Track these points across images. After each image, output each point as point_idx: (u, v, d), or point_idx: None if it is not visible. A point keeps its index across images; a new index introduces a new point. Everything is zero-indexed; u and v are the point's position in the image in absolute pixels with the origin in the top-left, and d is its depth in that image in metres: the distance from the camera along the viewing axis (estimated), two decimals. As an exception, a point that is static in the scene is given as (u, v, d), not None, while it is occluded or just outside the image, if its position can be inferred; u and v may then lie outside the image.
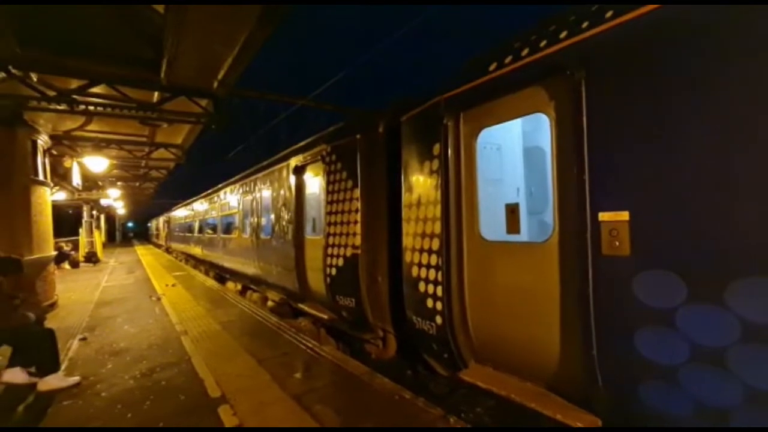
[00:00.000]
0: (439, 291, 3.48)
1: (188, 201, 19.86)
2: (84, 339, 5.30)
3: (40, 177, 7.37)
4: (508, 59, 2.98)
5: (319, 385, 3.66)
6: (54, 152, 9.44)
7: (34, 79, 5.85)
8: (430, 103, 3.67)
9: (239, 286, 10.51)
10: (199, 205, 16.34)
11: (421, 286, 3.69)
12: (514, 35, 3.13)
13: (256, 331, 5.60)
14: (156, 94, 6.75)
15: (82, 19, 5.29)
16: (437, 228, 3.52)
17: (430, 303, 3.60)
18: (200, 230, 15.96)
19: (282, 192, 7.21)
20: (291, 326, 5.78)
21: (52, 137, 8.19)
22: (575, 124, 2.49)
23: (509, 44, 3.08)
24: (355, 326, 5.12)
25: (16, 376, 3.74)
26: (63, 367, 4.06)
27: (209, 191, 14.62)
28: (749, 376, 1.80)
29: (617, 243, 2.28)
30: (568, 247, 2.65)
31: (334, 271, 5.28)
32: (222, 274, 12.40)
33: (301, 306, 6.44)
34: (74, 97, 6.17)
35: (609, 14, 2.35)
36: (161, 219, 34.16)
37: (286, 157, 7.13)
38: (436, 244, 3.53)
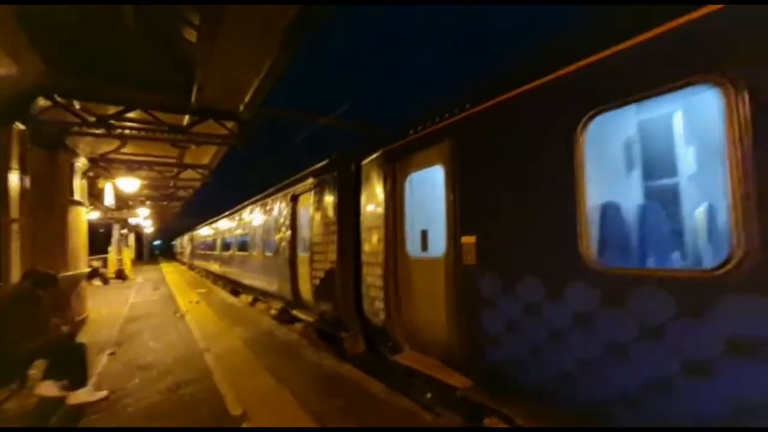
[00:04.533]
0: (382, 294, 4.55)
1: (208, 221, 21.43)
2: (113, 353, 5.46)
3: (77, 197, 7.78)
4: (419, 128, 4.12)
5: (338, 403, 3.64)
6: (90, 174, 9.97)
7: (77, 107, 6.27)
8: (377, 154, 4.86)
9: (250, 299, 11.17)
10: (217, 226, 17.86)
11: (372, 291, 4.83)
12: (425, 109, 4.27)
13: (276, 348, 5.64)
14: (186, 117, 7.09)
15: (121, 49, 5.67)
16: (381, 246, 4.63)
17: (377, 304, 4.68)
18: (218, 248, 17.16)
19: (281, 217, 8.41)
20: (290, 331, 5.80)
21: (89, 160, 8.68)
22: (451, 176, 3.63)
23: (421, 116, 4.16)
24: (334, 326, 5.94)
25: (50, 389, 3.88)
26: (93, 380, 4.19)
27: (225, 213, 16.10)
28: (530, 333, 2.81)
29: (470, 256, 3.35)
30: (449, 259, 3.61)
31: (317, 282, 6.30)
32: (236, 288, 13.30)
33: (295, 312, 7.50)
34: (111, 122, 6.56)
35: (468, 106, 3.48)
36: (185, 237, 35.36)
37: (285, 187, 8.45)
38: (380, 258, 4.62)
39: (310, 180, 6.79)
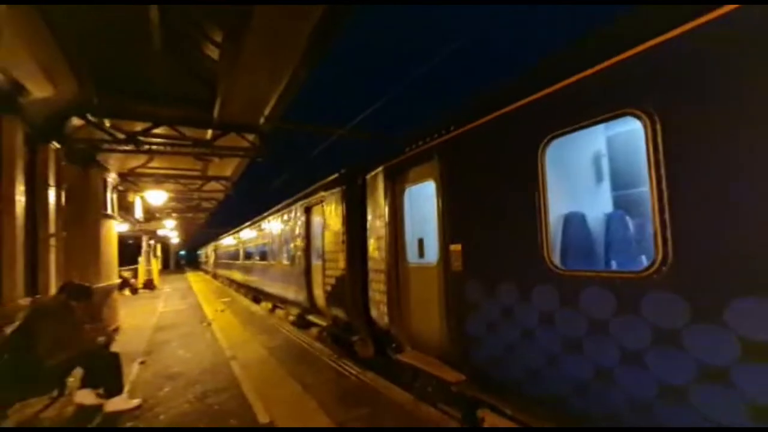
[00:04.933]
0: (386, 299, 4.93)
1: (230, 232, 22.21)
2: (143, 362, 5.62)
3: (109, 211, 8.11)
4: (413, 145, 4.45)
5: (363, 413, 3.62)
6: (120, 188, 10.38)
7: (107, 125, 6.55)
8: (379, 169, 5.22)
9: (270, 305, 11.56)
10: (237, 236, 18.58)
11: (377, 296, 5.21)
12: (418, 128, 4.61)
13: (300, 356, 5.67)
14: (209, 131, 7.31)
15: (149, 69, 5.91)
16: (384, 255, 5.01)
17: (381, 308, 5.06)
18: (239, 258, 17.86)
19: (297, 227, 8.85)
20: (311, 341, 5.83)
21: (119, 175, 9.04)
22: (440, 190, 3.99)
23: (415, 134, 4.50)
24: (345, 331, 6.27)
25: (87, 397, 4.02)
26: (126, 389, 4.31)
27: (245, 225, 16.66)
28: (504, 332, 3.15)
29: (457, 263, 3.69)
30: (441, 265, 3.94)
31: (329, 288, 6.68)
32: (257, 296, 13.82)
33: (310, 318, 8.04)
34: (140, 138, 6.83)
35: (451, 128, 3.85)
36: (209, 247, 36.33)
37: (299, 200, 8.76)
38: (383, 266, 5.03)
39: (321, 193, 7.15)
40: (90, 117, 6.09)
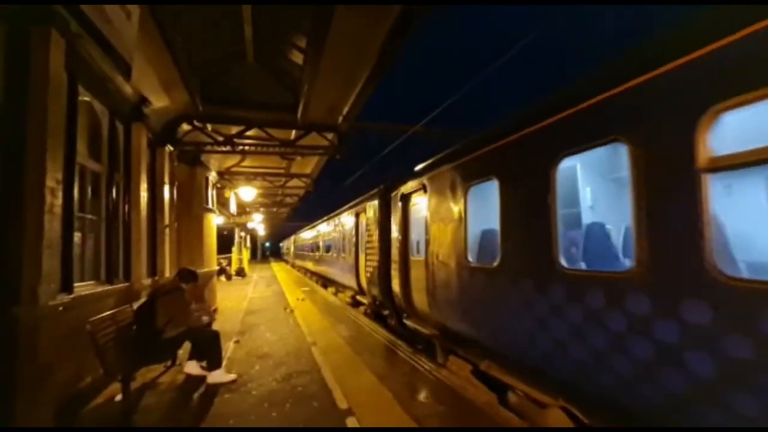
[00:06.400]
0: (398, 283, 6.81)
1: (304, 229, 26.95)
2: (237, 342, 6.27)
3: (209, 205, 9.16)
4: (414, 177, 6.23)
5: (439, 410, 3.60)
6: (218, 185, 11.66)
7: (209, 129, 7.39)
8: (396, 191, 7.07)
9: (333, 290, 13.39)
10: (310, 233, 22.95)
11: (395, 282, 7.05)
12: (416, 168, 6.30)
13: (375, 348, 5.84)
14: (293, 132, 7.85)
15: (243, 79, 6.55)
16: (398, 251, 6.91)
17: (396, 290, 6.99)
18: (311, 250, 21.78)
19: (348, 227, 11.63)
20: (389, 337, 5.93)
21: (218, 173, 10.16)
22: (426, 208, 5.73)
23: (417, 171, 6.20)
24: (379, 307, 8.47)
25: (193, 368, 4.61)
26: (223, 364, 4.85)
27: (315, 223, 20.78)
28: (450, 299, 4.97)
29: (431, 257, 5.46)
30: (425, 259, 5.64)
31: (368, 275, 8.93)
32: (324, 282, 16.85)
33: (358, 298, 10.89)
34: (235, 140, 7.59)
35: (423, 168, 5.90)
36: (290, 240, 39.71)
37: (352, 207, 11.27)
38: (398, 258, 6.86)
39: (366, 204, 9.33)
40: (196, 123, 6.93)
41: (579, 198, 4.81)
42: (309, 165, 11.49)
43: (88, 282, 4.48)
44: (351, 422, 3.35)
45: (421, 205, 6.11)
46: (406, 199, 6.65)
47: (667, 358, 2.27)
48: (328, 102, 6.46)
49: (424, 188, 5.74)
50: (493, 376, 4.09)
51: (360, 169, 15.96)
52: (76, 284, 3.94)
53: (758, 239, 3.39)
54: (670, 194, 2.33)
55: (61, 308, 3.31)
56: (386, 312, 7.71)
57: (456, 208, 4.79)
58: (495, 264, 3.91)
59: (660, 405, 2.37)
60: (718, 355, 2.01)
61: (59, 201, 3.32)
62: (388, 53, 4.99)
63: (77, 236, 4.19)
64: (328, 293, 13.51)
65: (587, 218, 4.64)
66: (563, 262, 3.12)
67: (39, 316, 3.01)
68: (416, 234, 6.47)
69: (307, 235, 24.48)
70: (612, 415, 2.80)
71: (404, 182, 6.63)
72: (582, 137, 2.99)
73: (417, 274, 6.04)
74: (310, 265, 21.91)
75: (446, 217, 5.02)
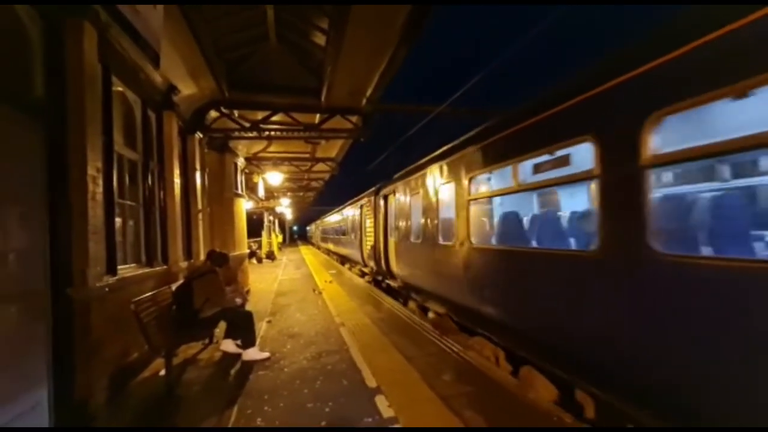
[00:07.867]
0: (383, 257, 10.19)
1: (327, 214, 30.97)
2: (269, 322, 6.51)
3: (239, 190, 9.41)
4: (391, 183, 9.50)
5: (466, 390, 3.62)
6: (246, 171, 11.94)
7: (236, 115, 7.51)
8: (385, 189, 9.93)
9: (370, 278, 13.76)
10: (330, 218, 27.24)
11: (381, 256, 10.36)
12: (399, 172, 8.93)
13: (402, 328, 5.92)
14: (317, 116, 7.86)
15: (267, 64, 6.57)
16: (381, 235, 10.29)
17: (381, 261, 10.38)
18: (332, 233, 25.57)
19: (356, 216, 14.89)
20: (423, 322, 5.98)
21: (246, 159, 10.38)
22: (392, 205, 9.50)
23: (394, 179, 9.28)
24: (377, 275, 11.61)
25: (229, 346, 4.85)
26: (257, 342, 5.06)
27: (334, 210, 25.12)
28: (411, 266, 8.09)
29: (399, 237, 8.76)
30: (395, 239, 8.97)
31: (368, 251, 12.30)
32: (342, 260, 20.48)
33: (363, 269, 14.22)
34: (261, 125, 7.69)
35: (394, 179, 9.27)
36: (315, 224, 42.01)
37: (357, 200, 14.67)
38: (381, 239, 10.22)
39: (366, 198, 12.59)
40: (223, 109, 7.06)
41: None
42: (334, 148, 11.53)
43: (131, 265, 4.75)
44: (380, 400, 3.44)
45: (391, 203, 9.32)
46: (386, 197, 9.90)
47: (615, 317, 2.86)
48: (352, 84, 6.41)
49: (393, 192, 8.85)
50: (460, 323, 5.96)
51: (384, 151, 15.91)
52: (119, 267, 4.19)
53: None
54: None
55: (107, 289, 3.54)
56: (380, 277, 11.26)
57: (406, 207, 7.96)
58: (419, 240, 7.14)
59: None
60: (654, 307, 2.59)
61: (100, 189, 3.50)
62: (410, 32, 4.86)
63: (118, 222, 4.42)
64: (353, 275, 13.75)
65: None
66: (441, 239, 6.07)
67: (89, 297, 3.24)
68: (390, 223, 9.53)
69: (328, 219, 29.37)
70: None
71: (386, 185, 9.93)
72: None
73: (390, 250, 9.42)
74: (331, 246, 26.33)
75: (401, 213, 8.32)
